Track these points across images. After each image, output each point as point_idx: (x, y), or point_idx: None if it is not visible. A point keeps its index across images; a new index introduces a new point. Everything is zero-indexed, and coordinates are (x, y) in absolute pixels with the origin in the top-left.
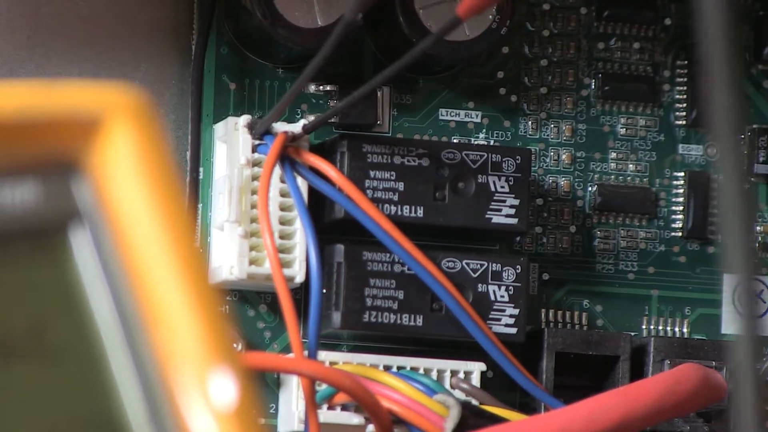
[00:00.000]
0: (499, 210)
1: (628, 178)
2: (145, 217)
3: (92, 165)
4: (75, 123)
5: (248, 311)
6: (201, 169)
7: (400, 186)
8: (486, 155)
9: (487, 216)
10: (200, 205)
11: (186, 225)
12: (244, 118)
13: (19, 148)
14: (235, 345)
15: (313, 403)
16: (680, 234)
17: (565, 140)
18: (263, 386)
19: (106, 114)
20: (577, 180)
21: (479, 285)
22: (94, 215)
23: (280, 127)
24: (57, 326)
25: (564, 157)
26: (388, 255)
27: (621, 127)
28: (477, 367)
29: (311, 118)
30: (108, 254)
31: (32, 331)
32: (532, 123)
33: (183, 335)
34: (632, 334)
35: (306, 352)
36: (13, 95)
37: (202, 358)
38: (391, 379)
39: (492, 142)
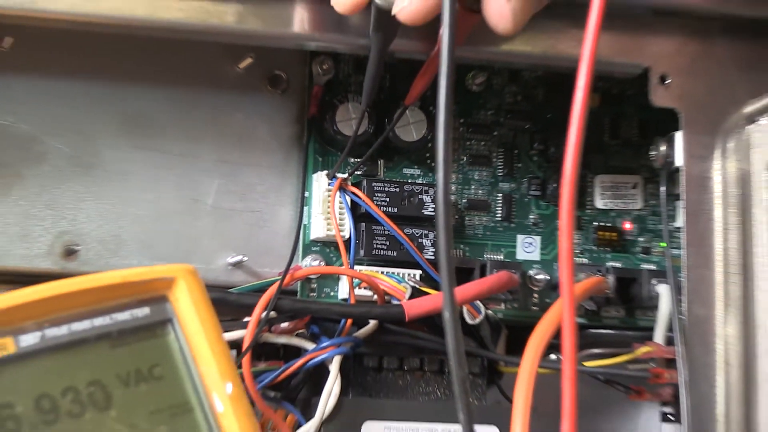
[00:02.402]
0: (429, 208)
1: (477, 192)
2: (196, 321)
3: (172, 297)
4: (163, 280)
5: (327, 251)
6: (307, 193)
7: (389, 199)
8: (422, 188)
9: (422, 210)
10: (306, 209)
11: (214, 322)
12: (324, 172)
13: (140, 294)
14: (317, 262)
15: (352, 287)
16: (499, 218)
17: (458, 183)
18: (332, 279)
19: (175, 275)
20: (461, 198)
21: (421, 239)
22: (176, 320)
23: (339, 175)
24: (160, 366)
25: (456, 189)
26: (383, 229)
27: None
28: (418, 273)
29: (355, 172)
30: (183, 340)
31: (146, 371)
32: None
33: (210, 366)
34: (480, 258)
35: (349, 266)
36: (139, 272)
37: (220, 375)
38: (383, 277)
39: (425, 182)
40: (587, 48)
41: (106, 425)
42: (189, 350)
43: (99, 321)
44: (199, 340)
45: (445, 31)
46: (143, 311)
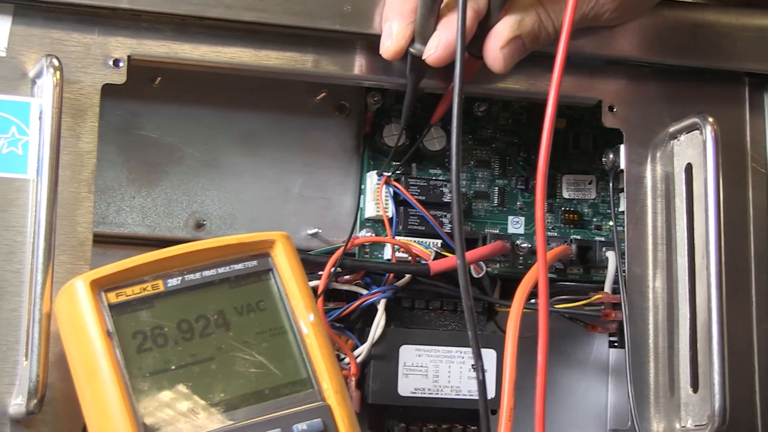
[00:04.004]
0: (447, 197)
1: (480, 189)
2: (288, 270)
3: (272, 253)
4: (266, 242)
5: (377, 226)
6: (363, 186)
7: (419, 190)
8: (443, 183)
9: (442, 198)
10: (362, 197)
11: (301, 271)
12: (375, 172)
13: (250, 251)
14: (370, 233)
15: (393, 251)
16: (496, 204)
17: (467, 180)
18: (379, 246)
19: (275, 238)
20: (470, 190)
21: (441, 218)
22: (275, 270)
23: (385, 174)
24: (263, 301)
25: (465, 184)
26: (415, 211)
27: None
28: (439, 242)
29: (395, 172)
30: (280, 283)
31: (254, 304)
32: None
33: (298, 301)
34: (482, 232)
35: (391, 236)
36: (250, 236)
37: (305, 308)
38: (415, 244)
39: (444, 179)
40: (553, 86)
41: (226, 342)
42: (284, 290)
43: (222, 269)
44: (290, 284)
45: (456, 72)
46: (252, 263)
